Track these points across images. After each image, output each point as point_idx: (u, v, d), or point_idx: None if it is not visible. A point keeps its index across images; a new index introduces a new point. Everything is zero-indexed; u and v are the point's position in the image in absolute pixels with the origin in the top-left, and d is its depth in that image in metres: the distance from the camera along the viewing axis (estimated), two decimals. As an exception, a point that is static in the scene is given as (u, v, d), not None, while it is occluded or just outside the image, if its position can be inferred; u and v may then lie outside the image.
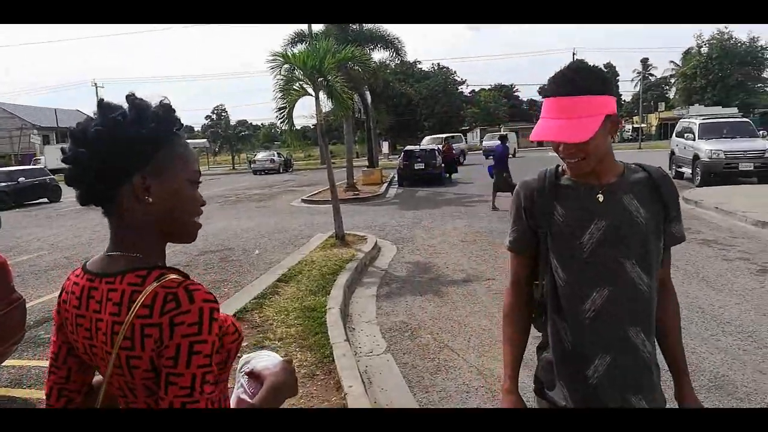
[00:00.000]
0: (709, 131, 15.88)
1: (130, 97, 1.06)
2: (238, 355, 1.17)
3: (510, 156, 19.29)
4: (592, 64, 1.49)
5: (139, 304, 0.96)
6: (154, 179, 1.04)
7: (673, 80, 65.64)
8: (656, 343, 1.55)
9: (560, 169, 1.56)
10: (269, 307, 5.76)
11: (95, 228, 13.25)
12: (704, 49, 55.76)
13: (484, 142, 40.00)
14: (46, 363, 4.17)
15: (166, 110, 1.08)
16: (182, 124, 1.12)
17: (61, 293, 1.14)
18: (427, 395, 3.89)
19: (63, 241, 11.39)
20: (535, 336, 1.70)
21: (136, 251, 1.05)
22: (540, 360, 1.65)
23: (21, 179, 21.02)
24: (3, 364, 4.18)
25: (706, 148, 14.99)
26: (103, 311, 1.00)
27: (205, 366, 0.96)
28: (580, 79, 1.40)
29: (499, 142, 14.44)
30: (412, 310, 5.80)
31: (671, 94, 69.10)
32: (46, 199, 21.99)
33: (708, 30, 56.56)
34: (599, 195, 1.47)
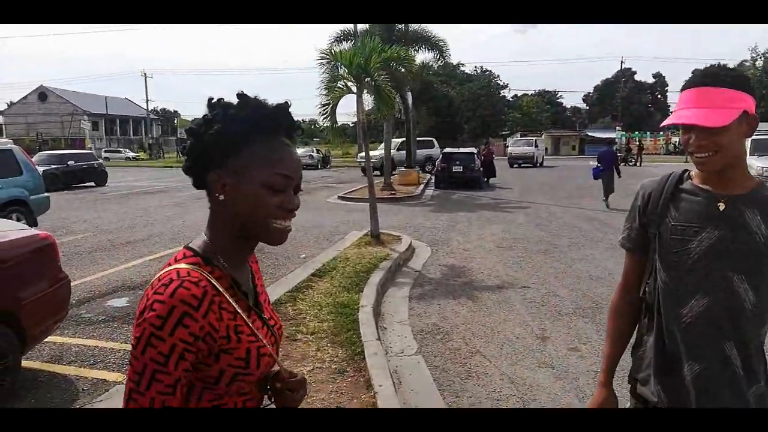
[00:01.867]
0: (761, 148, 15.29)
1: (241, 96, 1.09)
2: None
3: (538, 164, 19.05)
4: (737, 68, 1.56)
5: (157, 276, 1.02)
6: (230, 179, 1.05)
7: (724, 93, 63.55)
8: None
9: (687, 173, 1.55)
10: (303, 300, 5.80)
11: (138, 213, 13.64)
12: (759, 63, 53.86)
13: (509, 148, 39.33)
14: (86, 341, 4.31)
15: (252, 109, 1.07)
16: (294, 126, 1.12)
17: None
18: (457, 399, 3.86)
19: (107, 224, 11.75)
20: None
21: (209, 235, 1.10)
22: (635, 359, 1.66)
23: (70, 162, 21.77)
24: (45, 340, 4.34)
25: (758, 165, 14.43)
26: None
27: (158, 363, 0.94)
28: (723, 74, 1.41)
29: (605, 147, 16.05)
30: (445, 313, 5.76)
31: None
32: (93, 183, 22.75)
33: (764, 43, 54.59)
34: (721, 203, 1.44)
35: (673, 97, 78.67)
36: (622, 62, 69.14)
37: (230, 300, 1.04)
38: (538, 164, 36.46)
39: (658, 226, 1.52)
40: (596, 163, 14.75)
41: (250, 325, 1.07)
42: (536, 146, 38.05)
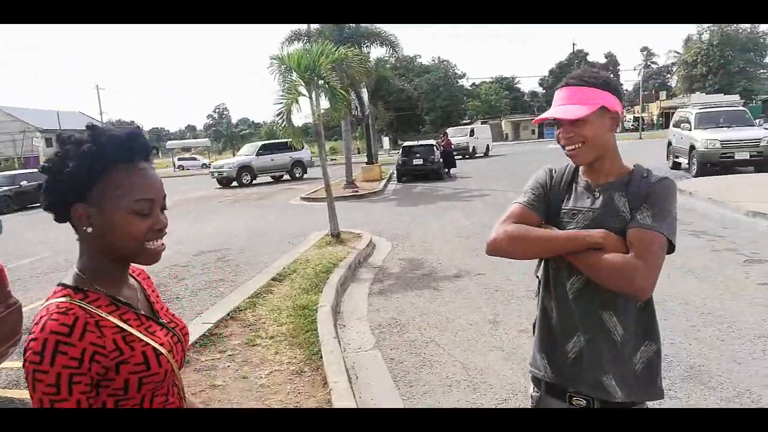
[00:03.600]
0: (705, 121, 15.88)
1: (89, 128, 1.15)
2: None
3: (478, 154, 18.99)
4: (601, 71, 1.68)
5: (37, 315, 1.09)
6: (93, 210, 1.12)
7: (674, 68, 65.44)
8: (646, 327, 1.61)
9: (579, 167, 1.71)
10: (262, 306, 5.88)
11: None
12: (705, 36, 55.56)
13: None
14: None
15: (115, 140, 1.12)
16: (147, 150, 1.17)
17: None
18: (411, 389, 4.01)
19: (63, 243, 11.53)
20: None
21: (82, 266, 1.17)
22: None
23: (23, 183, 21.21)
24: (0, 366, 4.32)
25: (702, 137, 15.00)
26: None
27: (51, 394, 1.01)
28: (586, 76, 1.62)
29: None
30: (403, 307, 5.92)
31: (673, 83, 68.90)
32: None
33: (708, 17, 56.25)
34: (596, 191, 1.62)
35: (626, 75, 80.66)
36: (573, 45, 70.61)
37: (109, 317, 1.11)
38: (477, 155, 34.06)
39: (554, 209, 1.68)
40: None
41: (138, 333, 1.14)
42: (472, 135, 35.08)
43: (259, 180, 25.63)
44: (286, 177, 26.74)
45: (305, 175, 26.87)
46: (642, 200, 1.55)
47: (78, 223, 1.14)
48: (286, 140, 32.54)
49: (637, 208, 1.55)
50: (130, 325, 1.14)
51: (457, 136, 33.70)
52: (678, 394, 3.62)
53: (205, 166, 45.81)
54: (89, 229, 1.13)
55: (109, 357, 1.07)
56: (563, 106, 1.59)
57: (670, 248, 1.54)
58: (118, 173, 1.12)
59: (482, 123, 64.33)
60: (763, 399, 3.48)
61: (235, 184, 24.77)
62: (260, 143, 27.73)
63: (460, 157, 31.05)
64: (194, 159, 53.73)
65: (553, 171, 1.76)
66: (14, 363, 4.77)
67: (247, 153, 26.72)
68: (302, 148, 26.49)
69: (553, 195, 1.70)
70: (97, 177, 1.11)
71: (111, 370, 1.08)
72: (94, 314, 1.09)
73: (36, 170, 25.55)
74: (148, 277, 1.35)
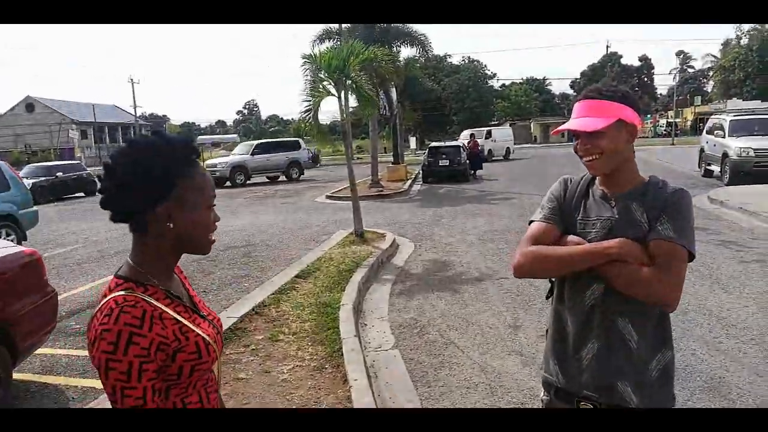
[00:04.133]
0: (739, 128, 15.53)
1: (157, 135, 1.27)
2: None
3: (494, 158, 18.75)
4: (621, 86, 1.74)
5: (97, 308, 1.19)
6: (176, 208, 1.22)
7: (710, 73, 63.92)
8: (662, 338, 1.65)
9: (596, 177, 1.75)
10: (286, 302, 6.01)
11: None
12: (744, 41, 54.13)
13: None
14: (75, 352, 4.52)
15: (184, 146, 1.26)
16: (199, 153, 1.32)
17: None
18: (429, 390, 4.07)
19: (97, 234, 11.91)
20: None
21: (140, 262, 1.26)
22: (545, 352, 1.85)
23: (59, 174, 21.87)
24: (36, 352, 4.53)
25: (735, 145, 14.69)
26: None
27: (122, 381, 1.10)
28: (605, 89, 1.66)
29: None
30: (424, 308, 5.98)
31: (709, 88, 67.32)
32: (82, 193, 22.85)
33: (748, 21, 54.84)
34: (612, 201, 1.67)
35: (660, 80, 79.12)
36: (607, 47, 69.44)
37: (167, 309, 1.22)
38: (495, 158, 32.53)
39: (570, 220, 1.72)
40: None
41: (191, 324, 1.26)
42: (489, 137, 32.83)
43: (254, 180, 24.98)
44: (282, 178, 26.00)
45: (302, 177, 26.30)
46: (659, 210, 1.59)
47: (159, 220, 1.22)
48: (282, 139, 30.13)
49: (657, 219, 1.58)
50: (182, 317, 1.25)
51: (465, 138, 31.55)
52: (696, 404, 3.61)
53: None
54: (171, 225, 1.23)
55: (170, 347, 1.18)
56: (581, 119, 1.64)
57: (690, 258, 1.58)
58: (197, 174, 1.27)
59: (510, 124, 63.82)
60: (783, 414, 3.45)
61: (228, 184, 23.65)
62: (255, 142, 26.76)
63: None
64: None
65: (569, 181, 1.81)
66: (48, 350, 4.99)
67: (241, 152, 25.62)
68: (300, 148, 25.96)
69: (567, 205, 1.75)
70: (181, 177, 1.23)
71: (169, 358, 1.19)
72: (156, 307, 1.19)
73: (70, 162, 26.34)
74: (182, 272, 1.45)
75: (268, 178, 25.77)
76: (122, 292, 1.19)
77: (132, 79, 59.04)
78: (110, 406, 1.16)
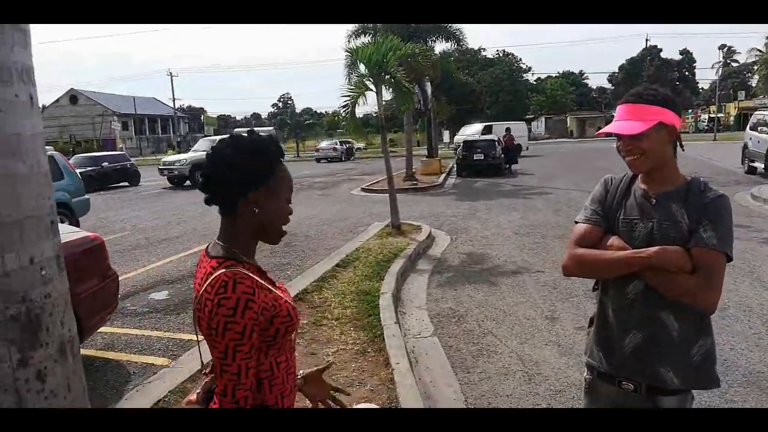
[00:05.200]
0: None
1: (252, 133, 1.47)
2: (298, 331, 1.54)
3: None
4: (662, 88, 1.83)
5: (207, 282, 1.36)
6: (263, 196, 1.43)
7: (755, 67, 61.75)
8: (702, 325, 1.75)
9: (637, 176, 1.87)
10: (328, 289, 6.23)
11: (171, 211, 14.28)
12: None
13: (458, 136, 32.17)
14: (132, 331, 4.87)
15: (275, 144, 1.48)
16: (284, 153, 1.51)
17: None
18: (468, 375, 4.23)
19: (143, 222, 12.39)
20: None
21: (232, 243, 1.45)
22: (589, 338, 1.98)
23: (105, 164, 22.69)
24: (99, 330, 4.85)
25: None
26: (198, 282, 1.43)
27: (236, 340, 1.30)
28: (645, 93, 1.76)
29: None
30: (461, 298, 6.13)
31: (753, 83, 65.05)
32: (126, 183, 23.66)
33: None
34: (653, 199, 1.78)
35: (702, 74, 76.80)
36: (647, 40, 67.75)
37: (262, 281, 1.42)
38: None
39: (612, 219, 1.85)
40: None
41: (279, 293, 1.47)
42: (488, 134, 27.79)
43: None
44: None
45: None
46: (700, 213, 1.69)
47: (248, 206, 1.42)
48: (252, 129, 29.67)
49: (698, 223, 1.68)
50: (272, 288, 1.45)
51: (466, 134, 29.90)
52: (734, 398, 3.67)
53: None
54: (257, 210, 1.43)
55: (270, 311, 1.39)
56: (623, 122, 1.75)
57: (728, 260, 1.68)
58: (282, 170, 1.48)
59: (546, 119, 62.85)
60: (822, 409, 3.49)
61: (188, 183, 21.92)
62: (218, 137, 25.44)
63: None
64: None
65: (609, 182, 1.92)
66: (108, 329, 5.32)
67: (203, 149, 22.62)
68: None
69: (609, 205, 1.87)
70: (276, 170, 1.45)
71: (267, 321, 1.39)
72: (255, 279, 1.40)
73: (115, 153, 27.19)
74: None
75: None
76: (229, 269, 1.37)
77: (171, 73, 60.43)
78: (168, 383, 1.35)
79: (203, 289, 1.36)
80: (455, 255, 8.25)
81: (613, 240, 1.81)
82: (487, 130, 30.69)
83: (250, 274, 1.40)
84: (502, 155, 21.62)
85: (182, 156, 24.32)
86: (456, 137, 33.93)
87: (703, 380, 1.78)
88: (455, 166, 22.56)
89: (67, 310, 1.46)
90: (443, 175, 21.21)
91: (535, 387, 3.99)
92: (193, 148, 24.75)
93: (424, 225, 10.24)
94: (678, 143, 1.81)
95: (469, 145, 21.63)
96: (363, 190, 17.85)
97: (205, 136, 59.66)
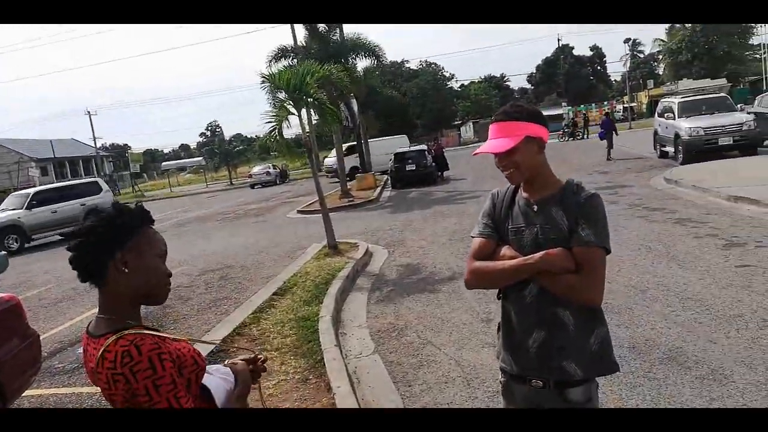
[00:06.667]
0: (688, 109, 16.24)
1: (115, 205, 1.51)
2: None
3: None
4: (526, 104, 1.97)
5: (106, 361, 1.35)
6: (133, 255, 1.45)
7: (660, 56, 65.88)
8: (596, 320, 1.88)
9: (520, 186, 1.98)
10: (266, 320, 6.15)
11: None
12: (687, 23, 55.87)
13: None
14: (61, 390, 4.60)
15: (138, 210, 1.52)
16: (153, 219, 1.56)
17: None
18: (409, 389, 4.28)
19: (69, 273, 11.74)
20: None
21: (115, 315, 1.45)
22: (498, 338, 2.07)
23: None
24: (24, 393, 4.58)
25: (685, 126, 15.35)
26: (89, 363, 1.43)
27: (171, 391, 1.33)
28: (512, 111, 1.90)
29: None
30: (400, 311, 6.19)
31: (660, 71, 69.36)
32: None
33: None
34: (535, 206, 1.90)
35: (612, 68, 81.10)
36: (558, 40, 71.14)
37: (159, 335, 1.42)
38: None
39: (503, 229, 1.97)
40: (600, 129, 21.48)
41: (178, 345, 1.47)
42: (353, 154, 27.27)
43: (43, 241, 18.68)
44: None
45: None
46: (576, 213, 1.83)
47: (117, 267, 1.43)
48: (73, 182, 22.43)
49: (576, 223, 1.82)
50: (170, 340, 1.46)
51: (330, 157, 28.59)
52: (656, 375, 3.89)
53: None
54: (125, 269, 1.44)
55: (177, 363, 1.40)
56: (494, 140, 1.88)
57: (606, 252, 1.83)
58: (146, 231, 1.52)
59: (473, 123, 64.43)
60: (734, 375, 3.76)
61: None
62: (32, 191, 19.47)
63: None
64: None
65: (496, 195, 2.05)
66: (35, 391, 5.04)
67: (12, 206, 18.51)
68: (100, 191, 19.43)
69: (497, 217, 1.99)
70: (135, 232, 1.47)
71: (178, 371, 1.39)
72: (152, 334, 1.41)
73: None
74: None
75: (61, 235, 18.53)
76: (120, 337, 1.37)
77: (89, 111, 58.16)
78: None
79: (105, 369, 1.35)
80: (393, 268, 8.33)
81: (505, 250, 1.92)
82: (350, 150, 28.30)
83: (145, 331, 1.40)
84: (433, 164, 22.06)
85: None
86: (326, 160, 33.07)
87: (604, 367, 1.91)
88: (389, 178, 22.79)
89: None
90: (378, 189, 21.39)
91: (473, 391, 4.08)
92: (0, 207, 19.45)
93: (361, 242, 10.29)
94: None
95: (401, 157, 21.93)
96: (299, 212, 17.72)
97: (131, 173, 57.65)
